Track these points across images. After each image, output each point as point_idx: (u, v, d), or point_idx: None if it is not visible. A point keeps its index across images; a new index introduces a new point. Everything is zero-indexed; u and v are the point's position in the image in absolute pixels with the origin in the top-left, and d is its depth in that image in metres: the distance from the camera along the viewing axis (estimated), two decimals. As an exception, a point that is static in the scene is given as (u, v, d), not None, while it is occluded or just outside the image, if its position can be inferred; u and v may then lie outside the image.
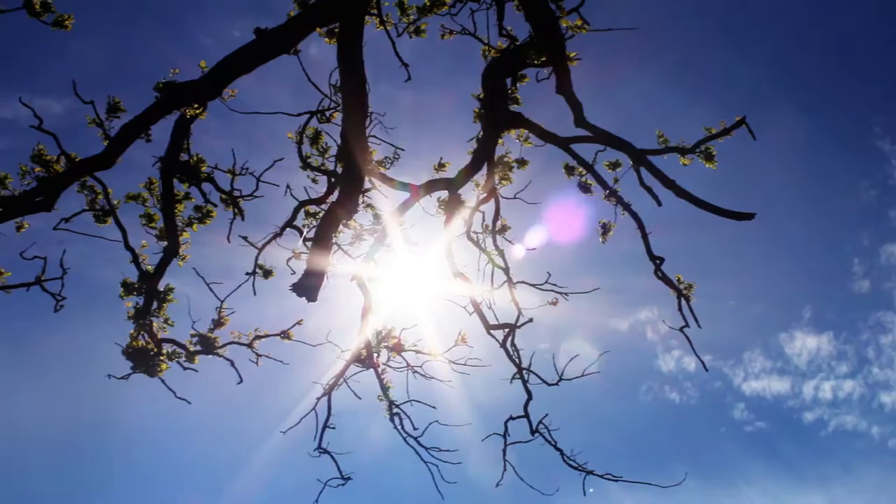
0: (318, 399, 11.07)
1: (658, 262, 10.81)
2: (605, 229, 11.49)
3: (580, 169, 11.38)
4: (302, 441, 11.30)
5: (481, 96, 10.92)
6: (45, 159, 10.07)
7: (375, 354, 11.19)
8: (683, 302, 10.85)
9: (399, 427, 11.23)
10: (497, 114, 10.50)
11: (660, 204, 10.54)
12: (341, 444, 11.27)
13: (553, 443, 11.22)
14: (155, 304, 10.57)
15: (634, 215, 10.86)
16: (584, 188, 11.36)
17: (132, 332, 10.42)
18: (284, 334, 11.24)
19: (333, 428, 11.11)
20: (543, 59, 10.61)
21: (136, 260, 10.66)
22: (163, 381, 10.43)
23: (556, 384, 11.14)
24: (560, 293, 11.23)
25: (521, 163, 11.60)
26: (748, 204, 9.90)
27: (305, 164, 11.19)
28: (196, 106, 9.98)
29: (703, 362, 11.01)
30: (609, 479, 11.14)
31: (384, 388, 11.26)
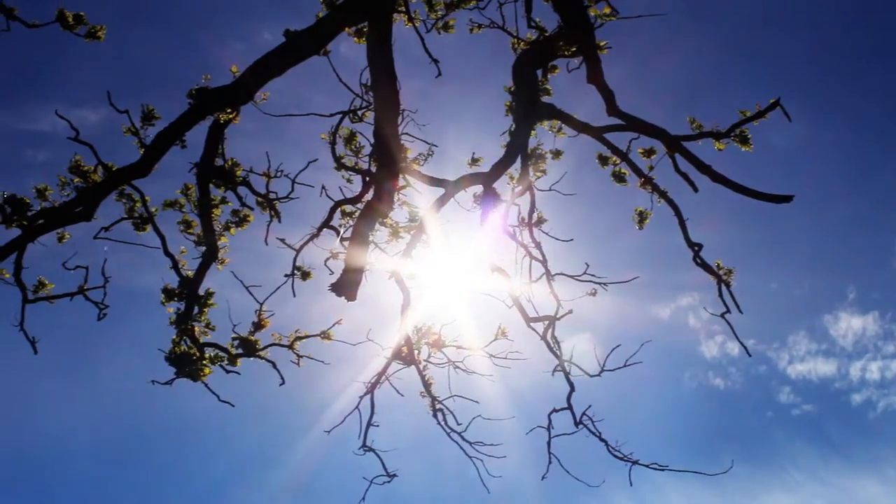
0: (361, 398, 11.10)
1: (696, 248, 10.73)
2: (642, 217, 11.44)
3: (614, 158, 11.35)
4: (336, 441, 11.38)
5: (512, 89, 10.88)
6: (83, 170, 10.17)
7: (416, 351, 11.20)
8: (724, 288, 10.77)
9: (442, 423, 11.25)
10: (529, 106, 10.44)
11: (696, 190, 10.45)
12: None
13: (597, 434, 11.17)
14: (196, 309, 10.62)
15: (671, 202, 10.79)
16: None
17: (174, 337, 10.49)
18: (325, 334, 11.27)
19: (377, 426, 11.15)
20: (573, 49, 10.57)
21: (175, 266, 10.74)
22: (206, 384, 10.48)
23: (598, 375, 11.08)
24: (599, 283, 11.19)
25: (556, 154, 11.57)
26: (786, 186, 9.81)
27: (339, 165, 11.23)
28: (229, 111, 10.03)
29: (745, 348, 10.93)
30: (655, 469, 11.06)
31: (426, 385, 11.27)
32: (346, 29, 10.33)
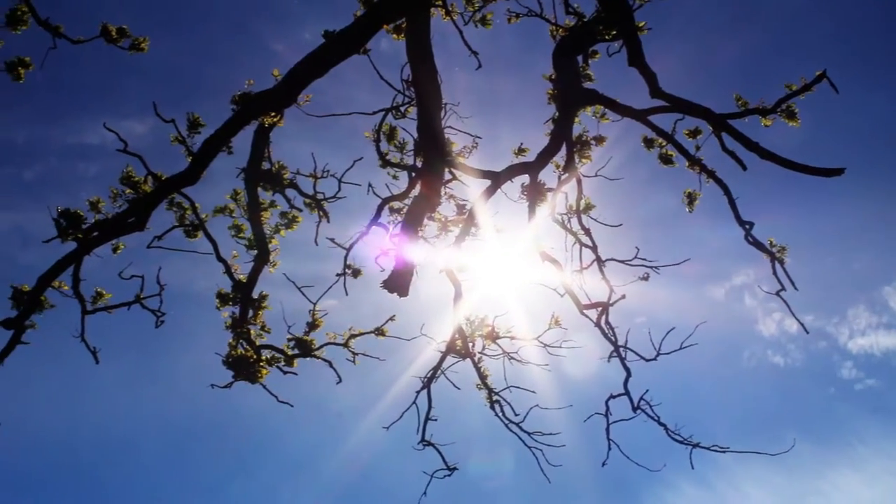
0: (418, 392, 11.16)
1: (748, 227, 10.60)
2: (692, 199, 11.33)
3: (660, 140, 11.26)
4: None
5: (553, 77, 10.84)
6: (133, 181, 10.33)
7: (471, 344, 11.22)
8: (778, 265, 10.64)
9: (500, 414, 11.26)
10: (571, 93, 10.38)
11: (745, 168, 10.31)
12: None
13: (656, 418, 11.09)
14: (250, 312, 10.74)
15: (720, 182, 10.67)
16: None
17: (231, 341, 10.61)
18: (379, 331, 11.33)
19: (435, 420, 11.20)
20: (613, 32, 10.52)
21: (228, 271, 10.85)
22: (264, 386, 10.60)
23: (655, 359, 11.00)
24: (651, 267, 11.11)
25: (600, 140, 11.50)
26: (838, 158, 9.66)
27: (385, 162, 11.26)
28: (273, 114, 10.11)
29: (803, 325, 10.78)
30: (716, 451, 10.94)
31: (482, 377, 11.29)
32: (385, 26, 10.36)
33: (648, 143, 11.38)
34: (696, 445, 10.99)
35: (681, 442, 11.03)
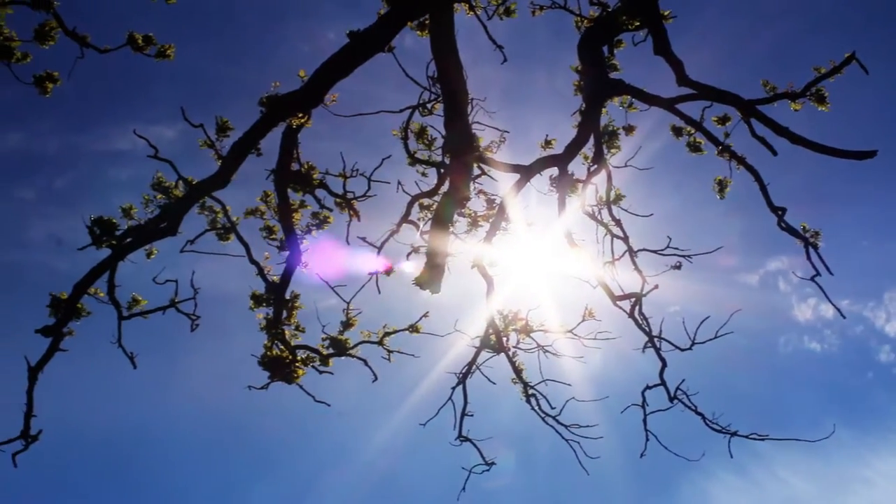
0: (453, 388, 11.18)
1: (780, 213, 10.53)
2: (722, 186, 11.27)
3: (688, 129, 11.20)
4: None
5: (579, 68, 10.81)
6: (164, 186, 10.40)
7: (504, 338, 11.21)
8: (812, 250, 10.55)
9: (536, 408, 11.25)
10: (597, 83, 10.36)
11: (775, 153, 10.26)
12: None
13: (693, 408, 11.05)
14: (284, 313, 10.77)
15: (750, 168, 10.62)
16: None
17: (266, 342, 10.65)
18: (413, 328, 11.35)
19: (471, 415, 11.21)
20: (638, 22, 10.46)
21: (261, 272, 10.90)
22: (300, 386, 10.62)
23: (690, 349, 10.94)
24: (683, 256, 11.05)
25: (628, 129, 11.46)
26: (869, 141, 9.55)
27: (413, 159, 11.28)
28: (300, 115, 10.13)
29: (839, 310, 10.68)
30: (755, 439, 10.91)
31: (517, 371, 11.29)
32: (409, 23, 10.35)
33: (677, 131, 11.34)
34: (734, 434, 10.97)
35: (719, 431, 11.01)
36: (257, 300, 10.87)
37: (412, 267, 11.38)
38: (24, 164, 26.47)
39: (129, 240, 9.98)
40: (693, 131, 11.15)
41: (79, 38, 10.18)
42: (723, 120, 10.97)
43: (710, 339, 10.83)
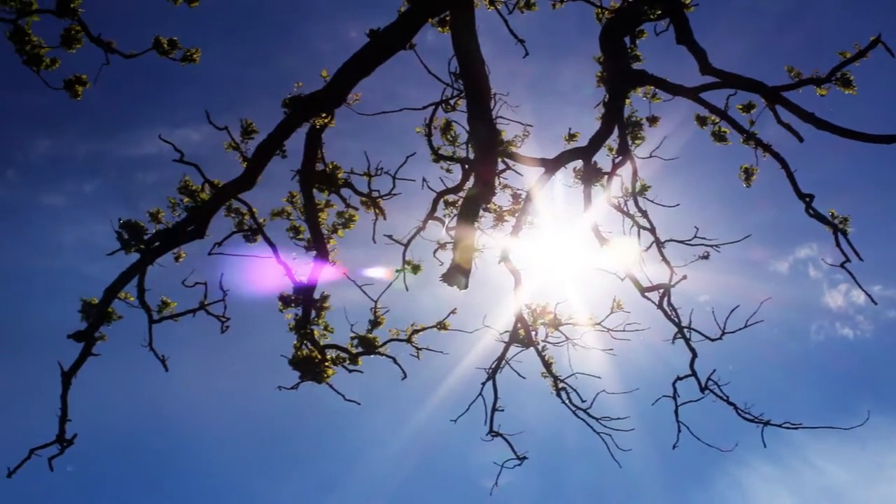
0: (483, 384, 11.17)
1: (808, 199, 10.45)
2: (749, 174, 11.22)
3: (712, 117, 11.15)
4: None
5: (601, 59, 10.77)
6: (191, 189, 10.43)
7: (533, 332, 11.19)
8: (841, 237, 10.47)
9: (567, 401, 11.22)
10: (620, 74, 10.31)
11: (801, 140, 10.21)
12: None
13: (725, 398, 10.98)
14: (313, 313, 10.81)
15: (776, 155, 10.56)
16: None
17: (295, 342, 10.69)
18: (441, 325, 11.36)
19: (502, 410, 11.21)
20: (659, 11, 10.42)
21: (289, 273, 10.92)
22: (331, 386, 10.66)
23: (720, 339, 10.87)
24: (710, 246, 10.98)
25: (652, 120, 11.42)
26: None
27: (437, 156, 11.28)
28: (324, 115, 10.15)
29: (870, 296, 10.62)
30: (788, 428, 10.83)
31: (547, 365, 11.26)
32: (430, 20, 10.36)
33: (701, 120, 11.31)
34: (767, 423, 10.89)
35: (751, 420, 10.94)
36: (285, 301, 10.90)
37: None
38: (53, 171, 26.84)
39: (157, 244, 10.05)
40: (718, 120, 11.11)
41: (104, 44, 10.27)
42: (747, 108, 10.93)
43: (740, 329, 10.78)
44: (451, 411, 11.57)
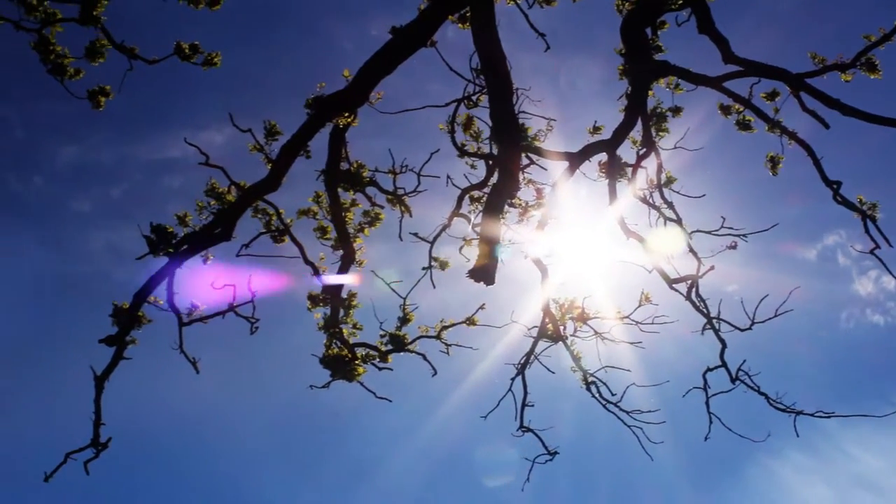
0: (513, 379, 11.17)
1: (836, 186, 10.38)
2: (775, 162, 11.15)
3: (737, 106, 11.10)
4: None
5: (623, 51, 10.74)
6: (218, 192, 10.50)
7: (561, 327, 11.18)
8: (869, 223, 10.41)
9: (597, 395, 11.20)
10: (642, 66, 10.28)
11: (827, 126, 10.15)
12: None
13: (756, 388, 10.93)
14: (341, 312, 10.85)
15: (802, 143, 10.50)
16: None
17: (325, 341, 10.73)
18: (469, 320, 11.38)
19: (532, 405, 11.19)
20: (680, 1, 10.38)
21: (316, 272, 10.97)
22: (362, 384, 10.70)
23: (750, 329, 10.83)
24: (738, 236, 10.92)
25: (676, 111, 11.37)
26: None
27: (462, 152, 11.29)
28: (347, 115, 10.17)
29: (901, 282, 10.54)
30: (821, 417, 10.78)
31: (576, 359, 11.24)
32: (450, 17, 10.36)
33: (725, 109, 11.27)
34: (799, 413, 10.84)
35: (783, 410, 10.88)
36: (314, 300, 10.95)
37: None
38: (79, 177, 27.12)
39: (185, 247, 10.12)
40: (742, 109, 11.05)
41: (127, 50, 10.34)
42: (771, 95, 10.89)
43: (770, 318, 10.72)
44: (476, 407, 11.59)
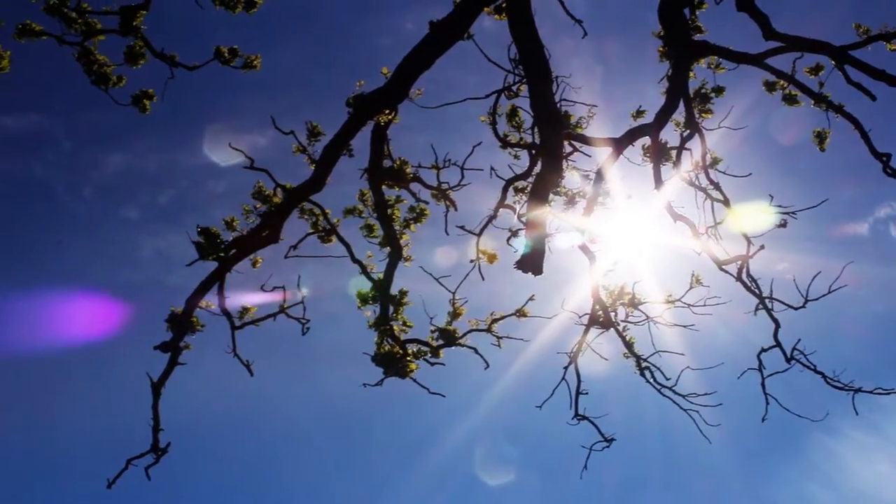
0: (566, 368, 11.13)
1: (885, 158, 10.23)
2: (822, 138, 11.01)
3: (781, 82, 10.97)
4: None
5: (662, 33, 10.64)
6: (264, 194, 10.57)
7: (612, 313, 11.13)
8: (922, 194, 10.25)
9: (651, 380, 11.14)
10: (682, 47, 10.17)
11: (874, 98, 9.98)
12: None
13: (812, 367, 10.81)
14: (391, 309, 10.87)
15: (849, 116, 10.36)
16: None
17: (376, 339, 10.77)
18: (520, 312, 11.36)
19: (586, 393, 11.16)
20: (718, -20, 10.27)
21: (365, 271, 11.00)
22: (414, 380, 10.71)
23: (803, 307, 10.67)
24: (787, 213, 10.78)
25: (718, 91, 11.24)
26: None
27: (504, 143, 11.25)
28: (387, 112, 10.17)
29: (957, 253, 10.36)
30: (880, 394, 10.64)
31: (628, 345, 11.19)
32: (486, 9, 10.32)
33: (769, 86, 11.14)
34: (857, 391, 10.71)
35: (841, 388, 10.75)
36: (363, 299, 10.98)
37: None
38: (127, 185, 27.47)
39: (233, 251, 10.19)
40: (786, 85, 10.92)
41: (167, 58, 10.44)
42: (815, 70, 10.80)
43: (824, 296, 10.54)
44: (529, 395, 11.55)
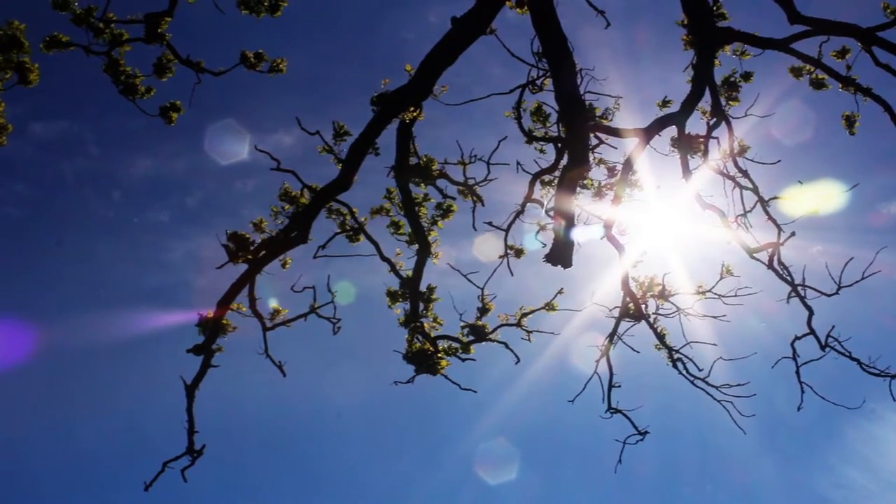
0: (598, 361, 11.09)
1: (917, 141, 10.10)
2: (851, 121, 10.88)
3: (808, 67, 10.86)
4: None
5: (685, 21, 10.57)
6: (291, 195, 10.63)
7: (643, 305, 11.07)
8: (956, 174, 10.11)
9: (684, 372, 11.07)
10: (706, 34, 10.09)
11: (903, 80, 9.86)
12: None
13: (847, 353, 10.67)
14: (421, 306, 10.89)
15: (878, 99, 10.22)
16: None
17: (407, 336, 10.79)
18: (549, 306, 11.34)
19: (619, 386, 11.11)
20: (740, -35, 10.19)
21: (393, 269, 11.02)
22: (446, 376, 10.73)
23: (837, 293, 10.53)
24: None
25: (745, 77, 11.15)
26: None
27: (530, 137, 11.22)
28: (412, 109, 10.19)
29: None
30: (920, 379, 10.49)
31: (660, 337, 11.13)
32: (507, 2, 10.30)
33: (796, 71, 11.03)
34: (894, 377, 10.55)
35: (877, 375, 10.62)
36: (393, 296, 11.02)
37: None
38: (156, 188, 27.75)
39: (262, 253, 10.25)
40: (813, 69, 10.80)
41: (194, 65, 10.55)
42: (842, 53, 10.70)
43: (857, 282, 10.39)
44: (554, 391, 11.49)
